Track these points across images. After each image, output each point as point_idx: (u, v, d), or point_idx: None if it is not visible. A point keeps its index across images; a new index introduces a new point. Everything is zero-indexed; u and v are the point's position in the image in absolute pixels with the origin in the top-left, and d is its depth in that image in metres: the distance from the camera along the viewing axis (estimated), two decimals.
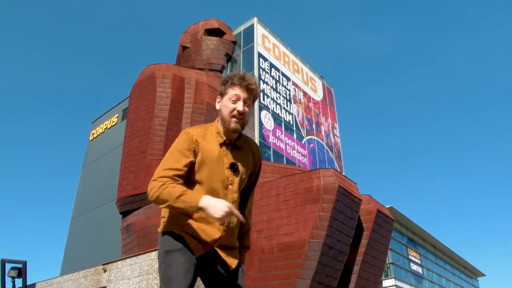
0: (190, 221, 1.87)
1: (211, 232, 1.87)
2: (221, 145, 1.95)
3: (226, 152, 1.95)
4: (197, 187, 1.90)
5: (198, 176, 1.91)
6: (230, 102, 1.93)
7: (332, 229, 6.75)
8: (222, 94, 1.99)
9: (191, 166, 1.90)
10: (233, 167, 1.93)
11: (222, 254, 1.87)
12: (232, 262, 1.90)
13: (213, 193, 1.87)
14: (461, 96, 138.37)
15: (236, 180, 1.94)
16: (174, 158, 1.88)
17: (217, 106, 2.00)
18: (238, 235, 2.03)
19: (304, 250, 6.66)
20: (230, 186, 1.92)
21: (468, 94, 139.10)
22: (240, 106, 1.92)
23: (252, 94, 1.95)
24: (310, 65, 30.13)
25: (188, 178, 1.91)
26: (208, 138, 1.95)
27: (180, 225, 1.88)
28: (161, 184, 1.79)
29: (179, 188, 1.77)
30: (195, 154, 1.90)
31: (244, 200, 2.09)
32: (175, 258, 1.81)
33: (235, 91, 1.93)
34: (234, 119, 1.92)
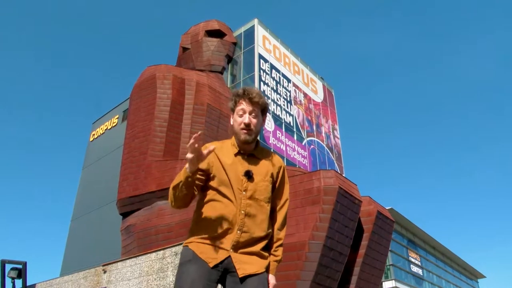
0: (207, 231, 1.97)
1: (227, 238, 1.94)
2: (236, 154, 2.09)
3: (242, 161, 2.08)
4: (212, 194, 2.02)
5: (213, 184, 2.03)
6: (237, 116, 2.09)
7: (332, 230, 6.74)
8: (232, 110, 2.14)
9: (203, 174, 2.04)
10: (247, 175, 2.02)
11: (235, 259, 1.92)
12: (247, 268, 1.92)
13: (227, 199, 1.98)
14: (461, 97, 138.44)
15: (251, 187, 2.02)
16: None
17: (231, 122, 2.15)
18: (269, 245, 2.08)
19: (304, 252, 6.65)
20: (244, 193, 2.00)
21: (469, 95, 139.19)
22: (246, 118, 2.05)
23: (257, 105, 2.08)
24: (310, 67, 30.14)
25: (206, 187, 2.06)
26: (224, 149, 2.10)
27: (196, 239, 1.98)
28: (172, 186, 2.01)
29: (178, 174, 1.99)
30: (209, 164, 2.04)
31: (274, 215, 2.14)
32: (185, 270, 1.93)
33: (240, 106, 2.09)
34: (243, 131, 2.05)
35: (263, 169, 2.10)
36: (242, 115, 2.07)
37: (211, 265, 1.90)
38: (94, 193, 24.90)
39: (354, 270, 7.70)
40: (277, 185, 2.15)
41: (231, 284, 1.92)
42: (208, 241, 1.95)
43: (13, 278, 9.68)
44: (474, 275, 49.61)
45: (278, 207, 2.16)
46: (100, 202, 23.62)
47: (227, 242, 1.93)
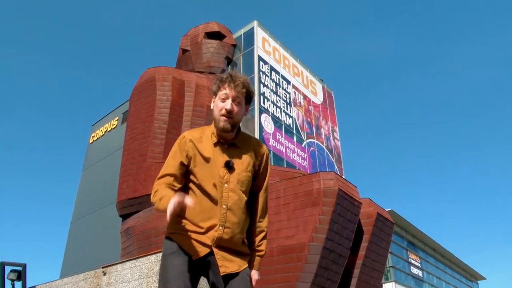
0: (189, 226, 1.91)
1: (209, 234, 1.89)
2: (216, 144, 1.95)
3: (222, 152, 1.95)
4: (193, 188, 1.95)
5: (194, 178, 1.94)
6: (219, 101, 1.94)
7: (332, 232, 6.74)
8: (214, 94, 2.00)
9: (185, 168, 1.96)
10: (227, 165, 1.91)
11: (217, 256, 1.88)
12: (229, 266, 1.88)
13: (208, 193, 1.90)
14: (461, 99, 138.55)
15: (233, 178, 1.91)
16: (169, 165, 1.97)
17: (211, 106, 2.02)
18: (250, 237, 2.04)
19: (304, 253, 6.65)
20: (225, 185, 1.89)
21: (468, 97, 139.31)
22: (228, 104, 1.91)
23: (241, 93, 1.94)
24: (310, 68, 30.17)
25: (186, 180, 1.99)
26: (203, 140, 1.97)
27: (179, 230, 1.93)
28: (155, 190, 1.92)
29: (164, 192, 1.85)
30: (187, 156, 1.95)
31: (254, 201, 2.06)
32: (169, 261, 1.88)
33: (224, 90, 1.94)
34: (223, 117, 1.91)
35: (245, 159, 1.97)
36: (224, 100, 1.93)
37: (194, 258, 1.87)
38: (94, 195, 24.90)
39: (354, 272, 7.69)
40: (259, 173, 2.05)
41: (214, 278, 1.89)
42: (190, 235, 1.89)
43: (12, 280, 9.66)
44: (474, 276, 49.58)
45: (259, 196, 2.08)
46: (99, 204, 23.63)
47: (210, 238, 1.87)
